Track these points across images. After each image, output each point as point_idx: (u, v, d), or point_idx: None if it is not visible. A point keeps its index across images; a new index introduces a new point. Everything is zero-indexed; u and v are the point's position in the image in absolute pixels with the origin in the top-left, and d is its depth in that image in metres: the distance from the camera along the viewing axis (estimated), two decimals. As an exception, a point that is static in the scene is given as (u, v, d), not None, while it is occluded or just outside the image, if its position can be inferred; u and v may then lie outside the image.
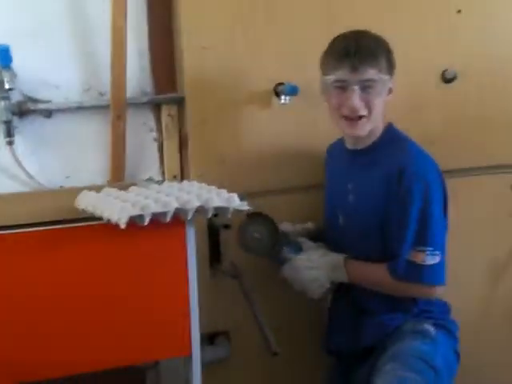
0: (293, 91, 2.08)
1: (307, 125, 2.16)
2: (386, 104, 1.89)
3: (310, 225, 2.13)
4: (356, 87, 1.83)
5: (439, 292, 1.89)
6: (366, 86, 1.84)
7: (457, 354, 1.97)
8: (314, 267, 1.94)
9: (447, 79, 2.25)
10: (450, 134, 2.30)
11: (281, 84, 2.11)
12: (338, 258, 1.95)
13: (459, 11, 2.27)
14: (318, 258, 1.95)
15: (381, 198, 1.88)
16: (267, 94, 2.13)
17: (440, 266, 1.85)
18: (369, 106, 1.85)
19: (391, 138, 1.94)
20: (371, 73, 1.83)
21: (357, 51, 1.81)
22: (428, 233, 1.84)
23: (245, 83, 2.13)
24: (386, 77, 1.85)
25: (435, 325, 1.93)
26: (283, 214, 2.13)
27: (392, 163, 1.87)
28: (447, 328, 1.96)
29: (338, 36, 1.89)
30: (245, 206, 1.68)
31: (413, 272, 1.84)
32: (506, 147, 2.36)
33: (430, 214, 1.84)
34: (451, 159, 2.23)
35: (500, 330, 2.42)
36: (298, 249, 1.99)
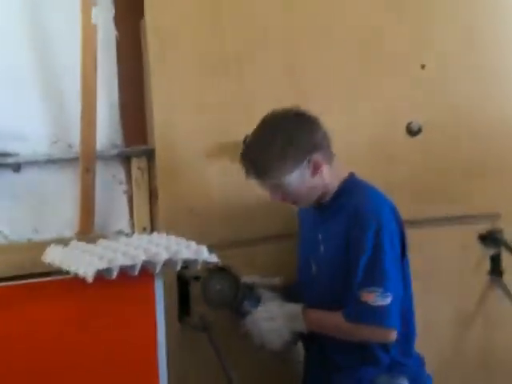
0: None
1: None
2: (323, 176, 1.91)
3: (277, 280, 2.12)
4: (267, 188, 1.93)
5: (393, 336, 1.87)
6: (272, 188, 1.91)
7: None
8: (273, 318, 1.94)
9: (412, 132, 2.30)
10: (416, 185, 2.33)
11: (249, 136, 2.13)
12: (296, 307, 1.95)
13: (423, 66, 2.33)
14: (276, 309, 1.95)
15: (343, 241, 1.90)
16: (237, 146, 2.15)
17: (391, 308, 1.85)
18: (287, 198, 1.93)
19: (351, 187, 1.97)
20: (268, 182, 1.91)
21: (248, 169, 1.89)
22: (379, 273, 1.84)
23: (214, 135, 2.15)
24: (289, 176, 1.87)
25: (410, 379, 1.92)
26: (255, 265, 2.13)
27: (350, 207, 1.91)
28: (422, 381, 1.96)
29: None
30: (214, 258, 1.68)
31: (364, 313, 1.84)
32: (471, 197, 2.39)
33: (381, 253, 1.85)
34: (417, 209, 2.26)
35: (471, 379, 2.42)
36: (258, 301, 1.99)
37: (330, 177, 1.94)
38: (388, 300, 1.84)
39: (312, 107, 1.95)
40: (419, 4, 2.34)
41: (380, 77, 2.29)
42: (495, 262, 2.41)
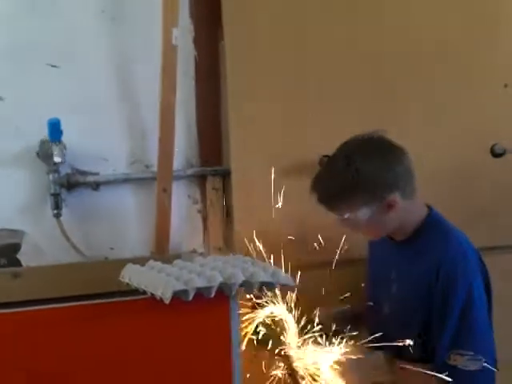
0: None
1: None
2: (399, 214, 1.80)
3: (346, 309, 2.04)
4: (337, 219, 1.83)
5: None
6: (342, 219, 1.82)
7: None
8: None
9: (496, 154, 2.23)
10: (500, 208, 2.24)
11: (326, 156, 2.10)
12: (379, 356, 1.85)
13: (506, 85, 2.25)
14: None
15: (424, 288, 1.81)
16: (313, 167, 2.12)
17: (485, 372, 1.74)
18: (356, 230, 1.86)
19: (433, 226, 1.87)
20: (339, 213, 1.82)
21: (317, 197, 1.81)
22: (469, 336, 1.74)
23: (289, 156, 2.13)
24: (358, 212, 1.78)
25: None
26: (326, 288, 2.09)
27: (434, 253, 1.80)
28: None
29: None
30: (291, 281, 1.65)
31: (456, 378, 1.73)
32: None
33: (471, 314, 1.75)
34: (495, 234, 2.17)
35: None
36: None
37: (407, 213, 1.83)
38: (480, 364, 1.73)
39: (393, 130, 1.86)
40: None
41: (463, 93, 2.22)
42: None
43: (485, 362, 1.74)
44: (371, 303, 2.01)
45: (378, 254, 2.04)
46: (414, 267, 1.86)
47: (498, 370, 1.82)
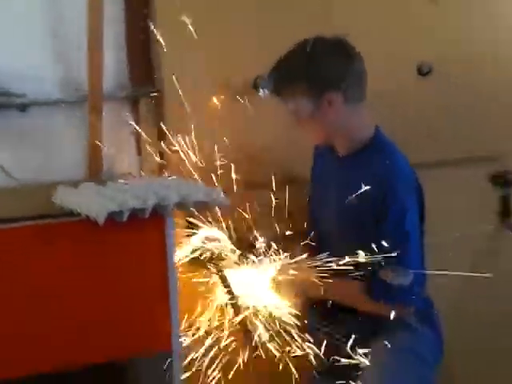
0: (270, 86, 2.06)
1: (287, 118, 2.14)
2: (340, 117, 1.86)
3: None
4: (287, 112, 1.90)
5: (409, 312, 1.89)
6: (290, 111, 1.89)
7: (441, 348, 1.99)
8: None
9: (423, 72, 2.26)
10: (426, 127, 2.30)
11: (260, 77, 2.10)
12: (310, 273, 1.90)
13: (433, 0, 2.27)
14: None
15: (362, 204, 1.86)
16: (247, 87, 2.12)
17: (412, 287, 1.83)
18: (302, 126, 1.91)
19: (376, 145, 1.92)
20: (284, 100, 1.89)
21: (270, 84, 1.90)
22: (401, 253, 1.80)
23: (223, 76, 2.11)
24: (300, 100, 1.85)
25: (421, 320, 1.94)
26: (269, 208, 2.12)
27: (377, 172, 1.86)
28: (432, 323, 1.98)
29: None
30: (225, 201, 1.67)
31: (384, 292, 1.83)
32: (481, 138, 2.38)
33: (404, 233, 1.84)
34: (427, 151, 2.24)
35: (473, 322, 2.44)
36: None
37: (350, 121, 1.89)
38: (409, 279, 1.82)
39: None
40: None
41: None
42: (505, 202, 2.41)
43: (413, 276, 1.82)
44: (314, 219, 2.06)
45: (321, 167, 2.08)
46: (355, 184, 1.89)
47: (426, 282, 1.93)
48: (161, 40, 2.02)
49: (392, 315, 1.84)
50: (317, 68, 1.83)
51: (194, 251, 1.89)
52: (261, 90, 2.10)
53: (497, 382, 2.50)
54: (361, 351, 1.83)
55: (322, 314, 1.97)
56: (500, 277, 2.41)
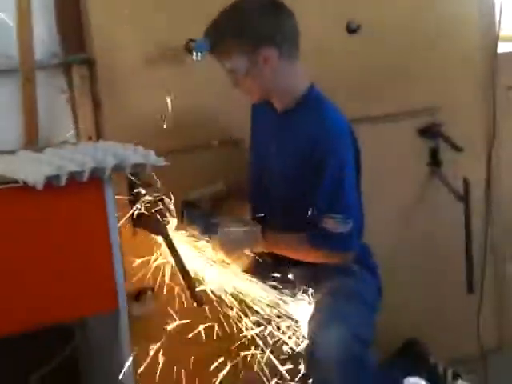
0: (204, 47, 2.08)
1: (221, 81, 2.17)
2: (276, 73, 1.89)
3: (220, 185, 2.15)
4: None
5: (350, 257, 1.96)
6: (227, 71, 1.92)
7: (380, 291, 2.08)
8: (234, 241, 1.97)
9: (351, 30, 2.31)
10: (356, 82, 2.35)
11: (192, 40, 2.11)
12: (255, 229, 1.98)
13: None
14: (235, 232, 1.96)
15: (299, 160, 1.93)
16: (179, 51, 2.13)
17: (352, 233, 1.91)
18: (239, 85, 1.94)
19: (311, 101, 1.96)
20: (221, 59, 1.92)
21: (209, 40, 1.90)
22: (340, 201, 1.89)
23: (155, 41, 2.12)
24: (236, 59, 1.88)
25: (360, 265, 2.02)
26: (199, 171, 2.16)
27: (313, 127, 1.91)
28: (370, 267, 2.07)
29: None
30: (161, 162, 1.71)
31: (325, 239, 1.89)
32: (408, 93, 2.45)
33: (342, 182, 1.90)
34: (357, 107, 2.30)
35: (415, 265, 2.55)
36: (216, 226, 2.00)
37: (286, 77, 1.92)
38: (349, 226, 1.89)
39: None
40: None
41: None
42: (434, 153, 2.51)
43: (352, 223, 1.90)
44: (254, 176, 2.10)
45: (260, 124, 2.11)
46: (291, 140, 1.96)
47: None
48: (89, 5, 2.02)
49: (334, 262, 1.93)
50: (250, 24, 1.87)
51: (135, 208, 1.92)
52: (194, 53, 2.10)
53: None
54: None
55: (267, 266, 2.03)
56: (433, 226, 2.55)
